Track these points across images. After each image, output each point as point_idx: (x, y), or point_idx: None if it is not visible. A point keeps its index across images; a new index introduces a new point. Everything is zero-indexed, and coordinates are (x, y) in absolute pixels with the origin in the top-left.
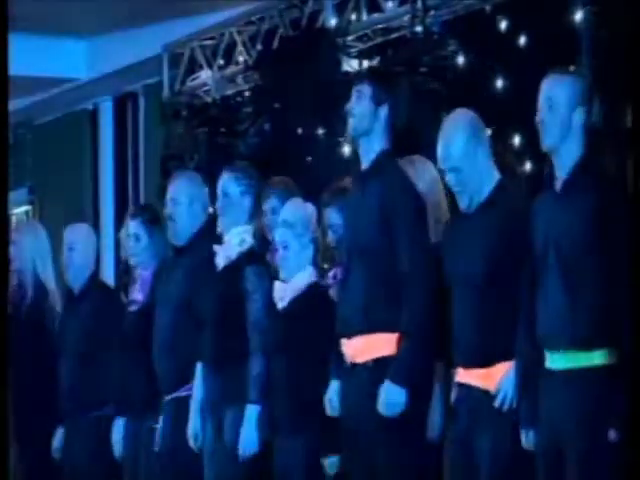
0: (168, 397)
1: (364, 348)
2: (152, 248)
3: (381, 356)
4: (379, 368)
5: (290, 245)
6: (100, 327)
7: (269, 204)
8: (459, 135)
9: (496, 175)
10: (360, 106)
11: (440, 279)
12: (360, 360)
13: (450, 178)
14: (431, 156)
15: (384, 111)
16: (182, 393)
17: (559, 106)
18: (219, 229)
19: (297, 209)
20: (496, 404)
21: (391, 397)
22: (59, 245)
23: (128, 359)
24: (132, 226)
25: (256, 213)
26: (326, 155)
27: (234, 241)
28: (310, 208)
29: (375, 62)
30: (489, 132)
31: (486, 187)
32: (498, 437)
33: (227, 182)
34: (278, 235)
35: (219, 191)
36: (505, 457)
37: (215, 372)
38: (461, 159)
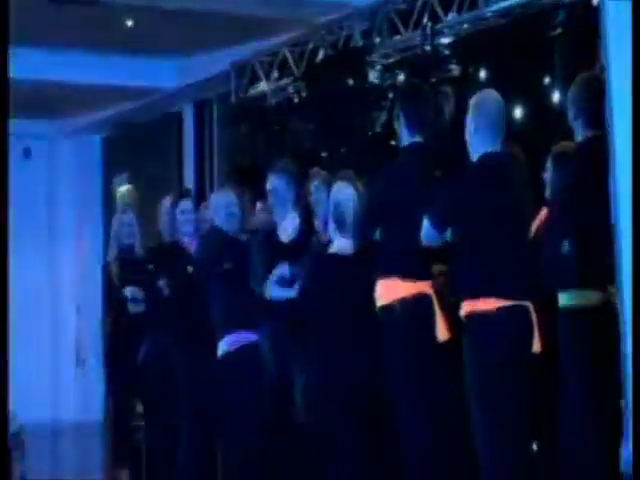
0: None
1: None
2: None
3: None
4: None
5: None
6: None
7: (314, 184)
8: None
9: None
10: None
11: None
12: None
13: None
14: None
15: (401, 117)
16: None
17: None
18: (275, 219)
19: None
20: None
21: None
22: (149, 216)
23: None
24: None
25: (300, 200)
26: (357, 147)
27: (289, 226)
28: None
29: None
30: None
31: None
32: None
33: (274, 180)
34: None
35: (269, 188)
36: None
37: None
38: None
